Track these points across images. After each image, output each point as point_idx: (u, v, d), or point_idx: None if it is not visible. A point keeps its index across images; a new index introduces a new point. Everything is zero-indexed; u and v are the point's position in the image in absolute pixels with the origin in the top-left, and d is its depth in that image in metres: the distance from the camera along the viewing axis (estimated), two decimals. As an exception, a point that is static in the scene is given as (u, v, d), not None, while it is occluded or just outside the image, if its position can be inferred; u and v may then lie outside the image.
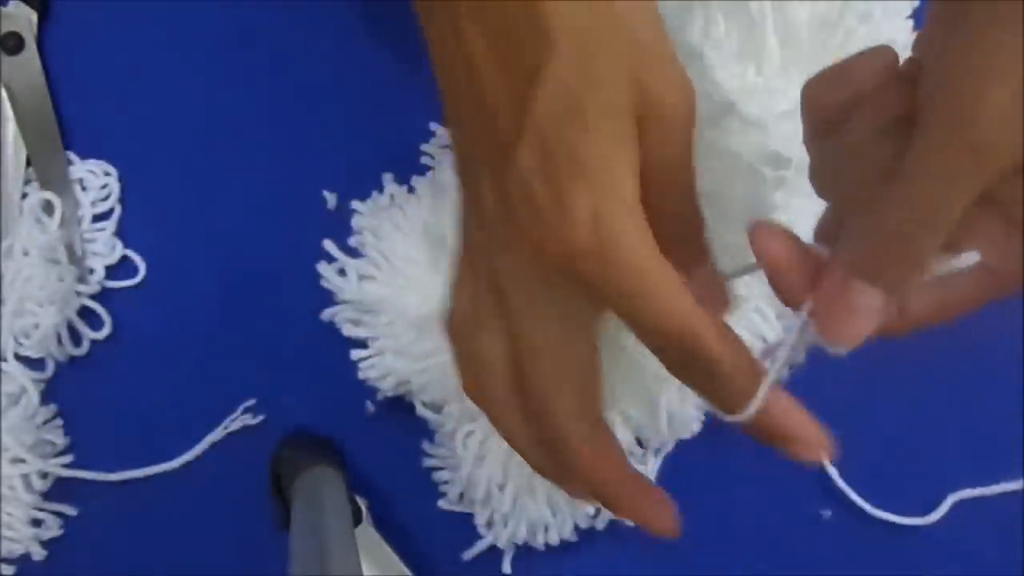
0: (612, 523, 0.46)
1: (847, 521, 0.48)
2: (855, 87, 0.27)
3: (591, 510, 0.46)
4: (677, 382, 0.45)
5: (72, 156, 0.50)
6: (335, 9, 0.50)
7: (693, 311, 0.29)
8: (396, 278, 0.46)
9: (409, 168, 0.48)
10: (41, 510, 0.48)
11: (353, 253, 0.48)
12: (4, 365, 0.48)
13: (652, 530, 0.33)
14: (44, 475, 0.48)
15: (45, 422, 0.48)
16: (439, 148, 0.48)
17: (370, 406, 0.48)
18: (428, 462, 0.48)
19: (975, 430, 0.48)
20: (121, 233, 0.49)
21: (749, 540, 0.48)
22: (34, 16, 0.49)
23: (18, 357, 0.48)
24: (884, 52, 0.27)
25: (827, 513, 0.48)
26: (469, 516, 0.47)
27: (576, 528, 0.46)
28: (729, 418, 0.30)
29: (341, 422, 0.48)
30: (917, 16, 0.48)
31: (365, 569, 0.41)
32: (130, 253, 0.49)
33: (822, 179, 0.29)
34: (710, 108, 0.38)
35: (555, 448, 0.32)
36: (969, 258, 0.27)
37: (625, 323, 0.30)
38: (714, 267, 0.33)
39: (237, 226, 0.49)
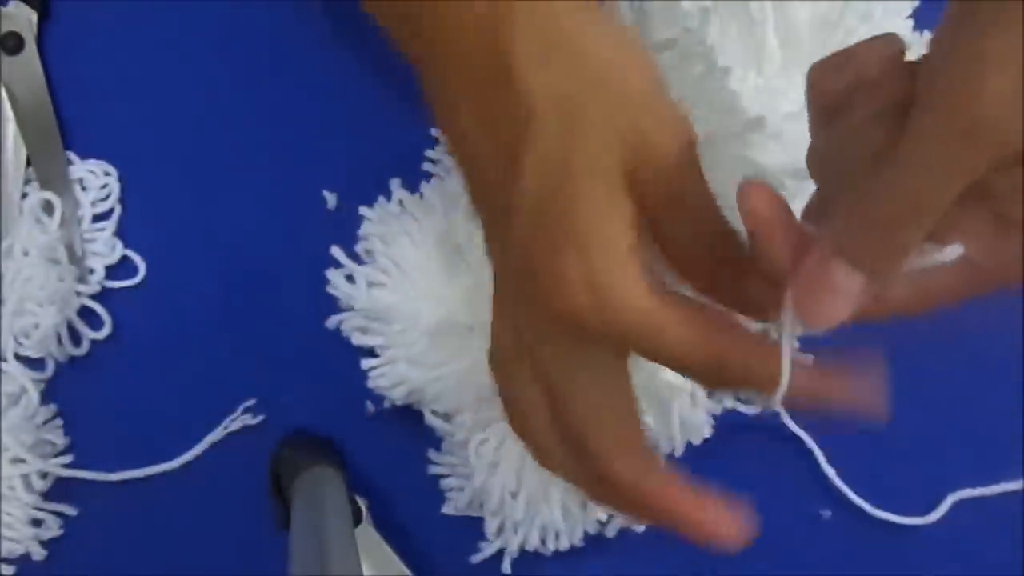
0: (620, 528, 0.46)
1: (847, 521, 0.48)
2: (858, 72, 0.28)
3: (603, 516, 0.46)
4: (689, 388, 0.45)
5: (72, 156, 0.49)
6: (335, 9, 0.50)
7: (703, 336, 0.29)
8: (407, 285, 0.46)
9: (412, 169, 0.48)
10: (41, 510, 0.48)
11: (358, 259, 0.48)
12: (4, 365, 0.48)
13: (716, 543, 0.33)
14: (44, 475, 0.48)
15: (45, 422, 0.48)
16: (445, 152, 0.48)
17: (370, 406, 0.48)
18: (434, 469, 0.48)
19: (975, 430, 0.48)
20: (121, 233, 0.49)
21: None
22: (34, 16, 0.49)
23: (18, 357, 0.48)
24: (891, 40, 0.28)
25: (827, 513, 0.48)
26: (469, 516, 0.47)
27: (584, 533, 0.46)
28: (770, 404, 0.30)
29: (341, 422, 0.48)
30: (917, 16, 0.48)
31: (365, 569, 0.41)
32: (130, 253, 0.49)
33: (818, 161, 0.29)
34: (733, 123, 0.38)
35: (604, 485, 0.32)
36: (953, 251, 0.27)
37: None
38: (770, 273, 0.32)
39: (237, 226, 0.49)
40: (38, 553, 0.48)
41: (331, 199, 0.49)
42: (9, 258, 0.48)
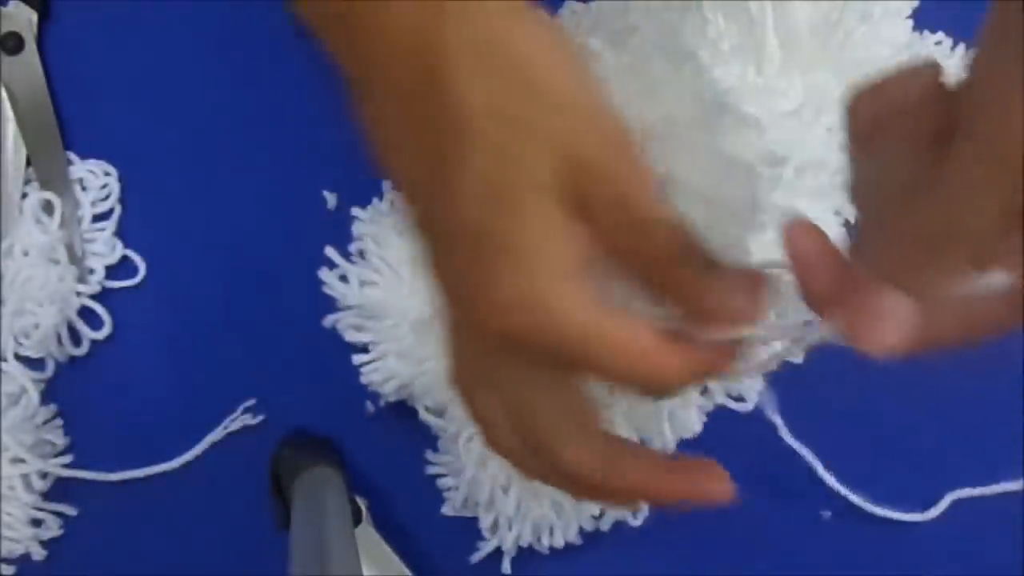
0: (616, 524, 0.46)
1: (847, 521, 0.48)
2: (897, 100, 0.27)
3: (596, 511, 0.46)
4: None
5: (72, 156, 0.49)
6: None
7: (649, 352, 0.29)
8: (398, 283, 0.46)
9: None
10: (41, 510, 0.48)
11: (353, 259, 0.48)
12: (4, 365, 0.48)
13: (708, 503, 0.33)
14: (44, 475, 0.48)
15: (45, 422, 0.48)
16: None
17: (370, 406, 0.48)
18: (431, 469, 0.48)
19: (975, 429, 0.48)
20: (121, 233, 0.49)
21: (749, 540, 0.48)
22: (34, 16, 0.49)
23: (18, 357, 0.48)
24: (928, 68, 0.27)
25: (827, 513, 0.48)
26: (469, 516, 0.47)
27: (580, 530, 0.46)
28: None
29: (341, 422, 0.48)
30: (917, 16, 0.48)
31: (365, 569, 0.41)
32: (130, 253, 0.49)
33: (858, 190, 0.29)
34: (704, 110, 0.38)
35: (580, 486, 0.32)
36: (999, 279, 0.27)
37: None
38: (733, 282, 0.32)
39: (237, 226, 0.49)
40: (38, 553, 0.48)
41: (331, 199, 0.49)
42: (9, 258, 0.48)
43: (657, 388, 0.30)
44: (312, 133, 0.49)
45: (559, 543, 0.46)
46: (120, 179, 0.49)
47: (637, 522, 0.47)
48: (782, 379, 0.42)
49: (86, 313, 0.49)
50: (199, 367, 0.49)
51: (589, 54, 0.38)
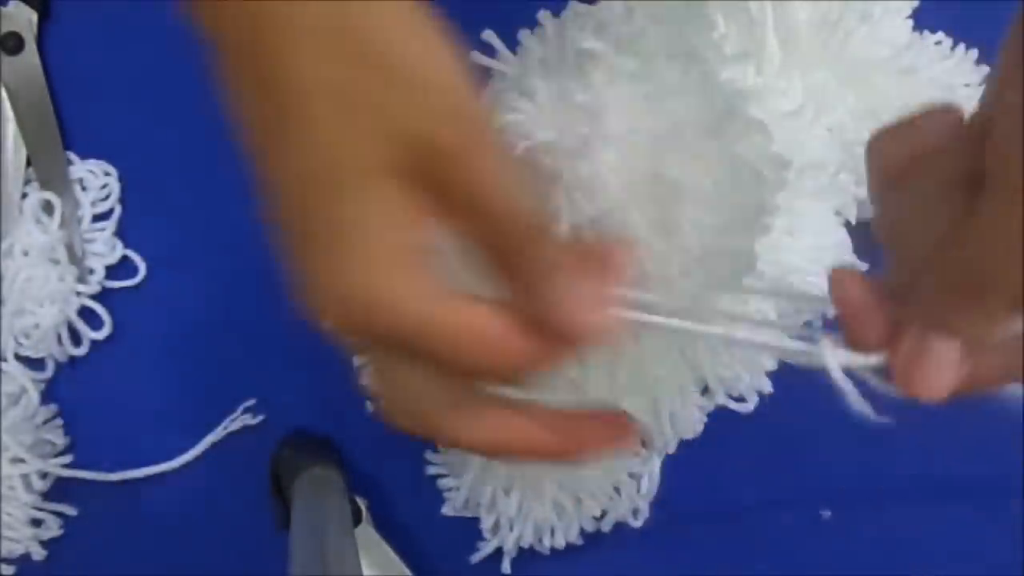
0: (616, 525, 0.46)
1: (847, 521, 0.48)
2: (921, 143, 0.28)
3: (597, 512, 0.46)
4: (679, 383, 0.45)
5: (72, 156, 0.50)
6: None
7: (494, 338, 0.28)
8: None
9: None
10: (41, 510, 0.48)
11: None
12: (4, 365, 0.48)
13: (613, 450, 0.32)
14: (44, 475, 0.48)
15: (45, 422, 0.48)
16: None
17: (370, 406, 0.48)
18: (431, 470, 0.48)
19: (974, 428, 0.48)
20: (121, 233, 0.49)
21: (749, 540, 0.48)
22: (34, 16, 0.49)
23: (18, 357, 0.48)
24: (950, 110, 0.28)
25: (827, 513, 0.48)
26: (469, 516, 0.47)
27: (581, 531, 0.46)
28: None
29: (341, 422, 0.48)
30: (917, 16, 0.48)
31: (365, 569, 0.41)
32: (130, 253, 0.49)
33: (887, 230, 0.29)
34: (712, 115, 0.38)
35: (484, 455, 0.32)
36: None
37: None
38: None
39: (237, 226, 0.49)
40: (38, 553, 0.48)
41: (331, 199, 0.49)
42: (9, 258, 0.48)
43: (505, 375, 0.30)
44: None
45: (560, 544, 0.46)
46: (120, 179, 0.49)
47: (637, 523, 0.47)
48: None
49: (86, 313, 0.49)
50: (199, 367, 0.49)
51: (594, 58, 0.38)
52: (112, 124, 0.50)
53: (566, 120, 0.38)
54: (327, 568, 0.38)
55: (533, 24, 0.43)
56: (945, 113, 0.28)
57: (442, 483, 0.48)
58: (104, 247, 0.49)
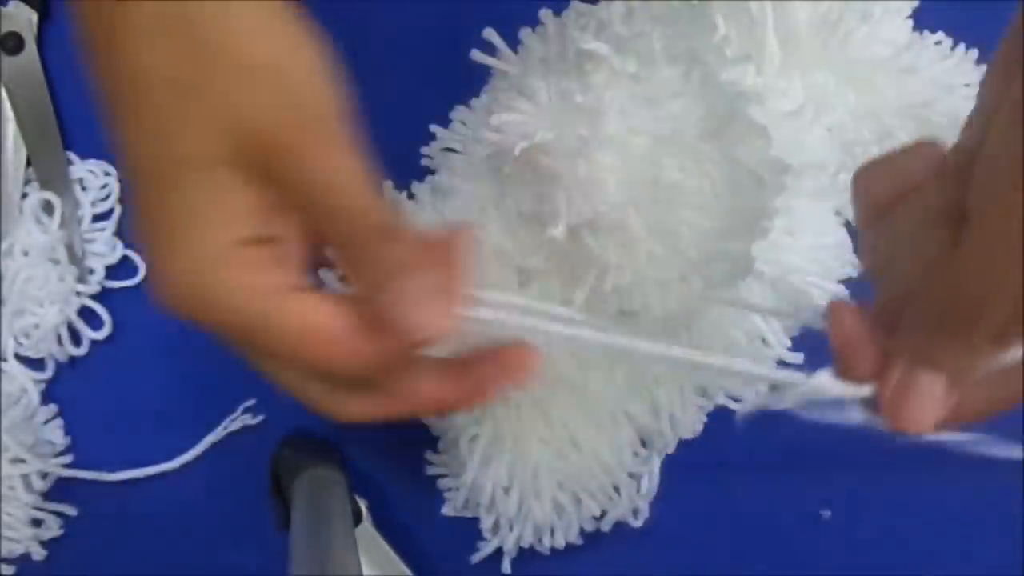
0: (616, 525, 0.46)
1: (847, 521, 0.48)
2: (904, 178, 0.28)
3: (597, 512, 0.46)
4: (679, 382, 0.45)
5: (72, 156, 0.50)
6: (333, 8, 0.49)
7: (327, 337, 0.29)
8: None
9: (409, 169, 0.48)
10: (41, 510, 0.48)
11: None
12: (4, 365, 0.48)
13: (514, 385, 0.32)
14: (44, 475, 0.48)
15: (45, 422, 0.48)
16: (439, 151, 0.48)
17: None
18: (431, 470, 0.48)
19: (974, 428, 0.48)
20: (121, 233, 0.49)
21: (749, 540, 0.48)
22: (34, 16, 0.49)
23: (18, 357, 0.48)
24: (931, 146, 0.28)
25: (827, 513, 0.48)
26: (469, 516, 0.47)
27: (581, 531, 0.46)
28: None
29: (341, 422, 0.48)
30: (917, 16, 0.48)
31: (365, 569, 0.41)
32: (130, 253, 0.49)
33: (873, 261, 0.30)
34: (713, 117, 0.38)
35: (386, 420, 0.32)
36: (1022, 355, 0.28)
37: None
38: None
39: (237, 226, 0.49)
40: (38, 553, 0.48)
41: (331, 199, 0.49)
42: (9, 258, 0.48)
43: (352, 374, 0.30)
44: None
45: (560, 544, 0.46)
46: (120, 179, 0.49)
47: (637, 522, 0.47)
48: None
49: (86, 313, 0.49)
50: (199, 367, 0.49)
51: (594, 58, 0.38)
52: (112, 124, 0.50)
53: (566, 121, 0.38)
54: (327, 568, 0.38)
55: (535, 23, 0.43)
56: (928, 148, 0.28)
57: (442, 483, 0.48)
58: (104, 247, 0.49)
